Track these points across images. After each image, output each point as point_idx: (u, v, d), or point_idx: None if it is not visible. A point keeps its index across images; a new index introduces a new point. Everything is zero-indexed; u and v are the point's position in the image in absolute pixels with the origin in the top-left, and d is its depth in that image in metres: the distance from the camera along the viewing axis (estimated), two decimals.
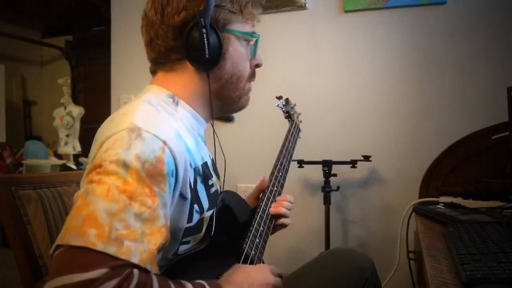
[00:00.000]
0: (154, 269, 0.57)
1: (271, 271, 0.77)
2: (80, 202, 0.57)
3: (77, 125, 3.10)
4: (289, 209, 0.99)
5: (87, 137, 3.40)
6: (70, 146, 3.07)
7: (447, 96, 1.71)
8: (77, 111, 3.08)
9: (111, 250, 0.53)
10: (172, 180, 0.65)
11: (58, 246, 0.54)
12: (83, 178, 0.63)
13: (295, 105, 1.42)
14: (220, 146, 0.88)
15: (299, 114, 1.39)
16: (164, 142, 0.64)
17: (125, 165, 0.59)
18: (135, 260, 0.54)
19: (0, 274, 2.50)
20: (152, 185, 0.60)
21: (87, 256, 0.52)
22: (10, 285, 2.31)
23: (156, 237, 0.58)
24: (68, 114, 3.06)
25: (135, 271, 0.53)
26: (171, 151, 0.65)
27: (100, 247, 0.52)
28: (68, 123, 3.04)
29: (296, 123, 1.29)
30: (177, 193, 0.67)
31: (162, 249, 0.61)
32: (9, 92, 4.10)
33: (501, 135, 1.39)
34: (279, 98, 1.37)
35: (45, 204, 0.98)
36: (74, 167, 3.04)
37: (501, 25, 1.64)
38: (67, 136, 3.08)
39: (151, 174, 0.60)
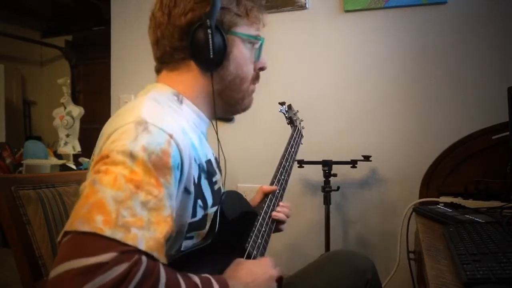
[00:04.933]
0: (161, 257, 0.57)
1: (272, 264, 0.78)
2: (87, 190, 0.57)
3: (77, 125, 3.09)
4: (288, 217, 1.01)
5: (87, 137, 3.39)
6: (70, 146, 3.06)
7: (447, 96, 1.71)
8: (77, 111, 3.08)
9: (118, 235, 0.53)
10: (178, 173, 0.65)
11: (66, 233, 0.54)
12: (90, 168, 0.63)
13: (297, 111, 1.43)
14: (220, 147, 0.88)
15: (302, 120, 1.40)
16: (171, 136, 0.65)
17: (132, 156, 0.59)
18: (142, 246, 0.54)
19: (0, 274, 2.49)
20: (158, 176, 0.61)
21: (95, 241, 0.52)
22: (10, 285, 2.31)
23: (162, 226, 0.59)
24: (68, 114, 3.05)
25: (143, 257, 0.54)
26: (177, 145, 0.65)
27: (107, 232, 0.53)
28: (68, 123, 3.03)
29: (299, 129, 1.29)
30: (182, 187, 0.68)
31: (168, 239, 0.62)
32: (9, 92, 4.09)
33: (501, 135, 1.39)
34: (282, 104, 1.38)
35: (45, 204, 0.98)
36: (74, 167, 3.03)
37: (501, 25, 1.64)
38: (67, 136, 3.07)
39: (157, 166, 0.61)
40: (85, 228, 0.53)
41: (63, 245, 0.53)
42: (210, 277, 0.63)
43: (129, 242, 0.53)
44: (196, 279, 0.61)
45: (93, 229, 0.52)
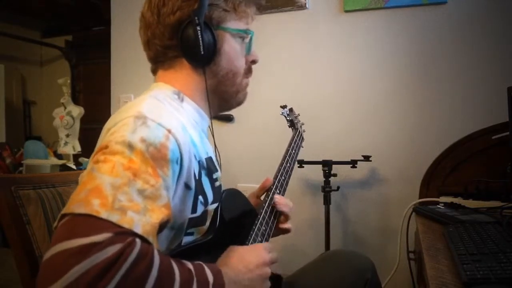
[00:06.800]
0: (155, 243, 0.58)
1: (265, 249, 0.77)
2: (85, 178, 0.58)
3: (77, 125, 3.09)
4: (289, 211, 0.98)
5: (87, 137, 3.40)
6: (70, 146, 3.07)
7: (447, 96, 1.71)
8: (77, 111, 3.08)
9: (114, 218, 0.54)
10: (177, 168, 0.66)
11: (62, 217, 0.55)
12: (90, 159, 0.64)
13: (298, 114, 1.44)
14: (215, 144, 0.88)
15: (303, 123, 1.40)
16: (169, 131, 0.66)
17: (130, 146, 0.61)
18: (138, 230, 0.55)
19: (0, 274, 2.50)
20: (156, 167, 0.62)
21: (91, 223, 0.53)
22: (10, 285, 2.31)
23: (157, 213, 0.59)
24: (68, 114, 3.06)
25: (137, 239, 0.54)
26: (176, 140, 0.66)
27: (103, 215, 0.53)
28: (68, 123, 3.04)
29: (299, 132, 1.30)
30: (181, 182, 0.68)
31: (164, 226, 0.63)
32: (9, 92, 4.10)
33: (501, 135, 1.39)
34: (283, 107, 1.40)
35: (45, 204, 0.98)
36: (74, 167, 3.03)
37: (501, 25, 1.64)
38: (67, 136, 3.07)
39: (155, 157, 0.62)
40: (81, 210, 0.53)
41: (59, 228, 0.54)
42: (203, 264, 0.64)
43: (125, 225, 0.54)
44: (189, 265, 0.61)
45: (90, 211, 0.53)
